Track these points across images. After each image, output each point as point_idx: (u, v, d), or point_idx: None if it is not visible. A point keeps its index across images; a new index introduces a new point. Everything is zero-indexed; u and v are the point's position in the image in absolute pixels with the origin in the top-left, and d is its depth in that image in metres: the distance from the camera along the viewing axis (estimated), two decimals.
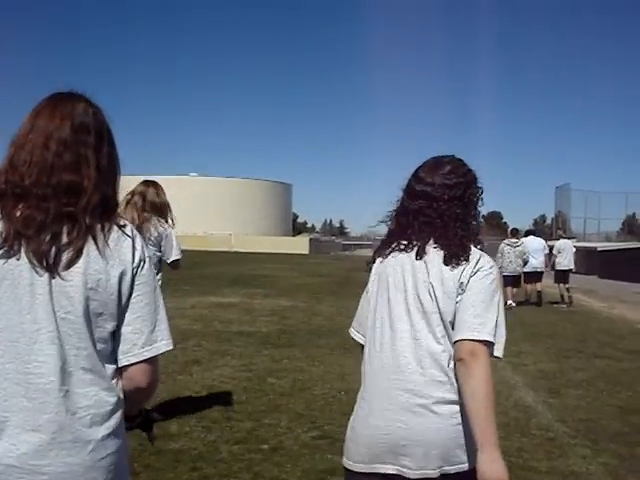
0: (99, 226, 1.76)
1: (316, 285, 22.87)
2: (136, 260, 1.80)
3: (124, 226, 1.83)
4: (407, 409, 2.26)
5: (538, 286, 17.43)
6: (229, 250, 60.92)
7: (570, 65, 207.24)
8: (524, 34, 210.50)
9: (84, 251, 1.73)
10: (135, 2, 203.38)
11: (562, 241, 19.35)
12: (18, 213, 1.73)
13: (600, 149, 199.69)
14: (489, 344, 2.21)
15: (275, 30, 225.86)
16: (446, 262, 2.33)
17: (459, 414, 2.23)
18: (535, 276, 17.47)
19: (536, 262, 17.28)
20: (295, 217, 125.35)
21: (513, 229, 18.30)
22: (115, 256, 1.76)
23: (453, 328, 2.27)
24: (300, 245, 70.63)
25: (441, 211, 2.40)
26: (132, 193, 5.40)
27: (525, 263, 16.86)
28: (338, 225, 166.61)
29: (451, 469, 2.24)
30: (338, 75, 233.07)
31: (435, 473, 2.24)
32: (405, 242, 2.44)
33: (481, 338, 2.19)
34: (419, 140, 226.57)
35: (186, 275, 19.98)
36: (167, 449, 5.10)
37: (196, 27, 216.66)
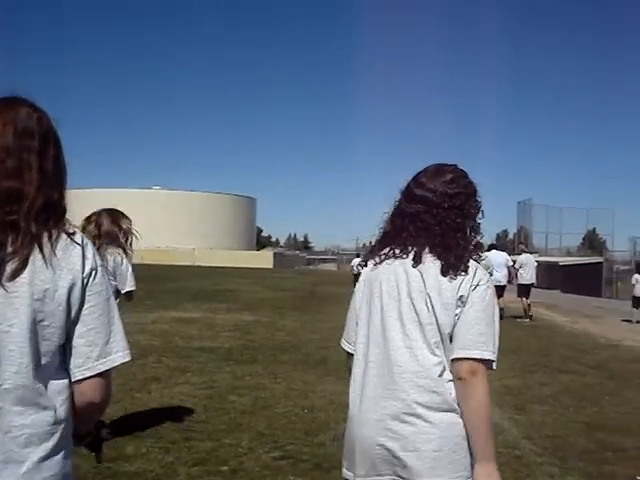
0: (46, 234, 1.68)
1: (280, 300, 22.68)
2: (86, 269, 1.71)
3: (73, 234, 1.74)
4: (400, 419, 2.25)
5: (500, 301, 17.48)
6: (192, 264, 60.45)
7: (531, 81, 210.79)
8: (482, 46, 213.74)
9: (30, 260, 1.64)
10: (102, 11, 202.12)
11: (524, 255, 19.52)
12: None
13: (562, 165, 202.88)
14: (490, 361, 2.24)
15: (239, 43, 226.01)
16: (444, 273, 2.30)
17: (452, 424, 2.23)
18: (498, 290, 17.51)
19: (499, 276, 17.40)
20: (259, 231, 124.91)
21: (477, 243, 18.41)
22: (63, 265, 1.67)
23: (450, 340, 2.26)
24: (264, 259, 70.47)
25: (440, 218, 2.37)
26: (88, 220, 5.31)
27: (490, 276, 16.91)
28: (302, 239, 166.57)
29: (445, 478, 2.23)
30: (300, 89, 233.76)
31: None
32: (399, 248, 2.41)
33: (485, 357, 2.22)
34: (383, 154, 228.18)
35: (148, 290, 19.67)
36: (122, 471, 4.88)
37: (162, 39, 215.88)
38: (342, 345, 2.57)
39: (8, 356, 1.62)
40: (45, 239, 1.67)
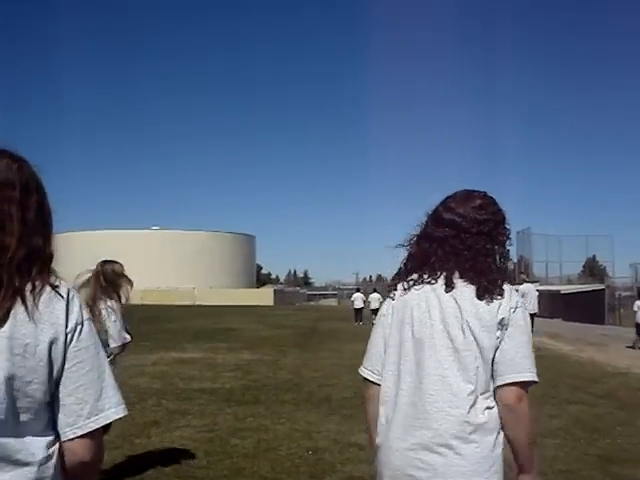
0: (29, 285, 1.62)
1: (281, 337, 22.47)
2: (70, 324, 1.64)
3: (57, 286, 1.67)
4: (431, 449, 2.22)
5: None
6: (193, 304, 60.19)
7: (529, 112, 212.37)
8: (477, 79, 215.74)
9: (11, 314, 1.58)
10: (97, 53, 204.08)
11: (525, 285, 19.43)
12: None
13: (559, 193, 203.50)
14: (532, 383, 2.26)
15: (239, 82, 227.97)
16: (480, 296, 2.27)
17: (484, 457, 2.21)
18: None
19: None
20: (259, 268, 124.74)
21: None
22: (45, 319, 1.60)
23: (491, 364, 2.25)
24: (264, 297, 70.26)
25: (469, 243, 2.36)
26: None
27: None
28: (302, 275, 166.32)
29: None
30: (297, 127, 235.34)
31: None
32: (428, 272, 2.38)
33: (533, 379, 2.24)
34: (381, 189, 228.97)
35: (148, 330, 19.49)
36: None
37: (161, 83, 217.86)
38: (362, 373, 2.52)
39: None
40: (28, 292, 1.61)
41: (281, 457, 6.42)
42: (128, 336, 5.48)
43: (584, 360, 15.82)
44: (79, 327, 1.66)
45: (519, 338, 2.26)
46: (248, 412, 8.70)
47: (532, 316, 18.25)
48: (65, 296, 1.66)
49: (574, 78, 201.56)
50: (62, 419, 1.63)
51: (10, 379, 1.56)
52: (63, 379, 1.63)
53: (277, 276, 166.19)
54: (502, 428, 2.27)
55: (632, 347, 19.16)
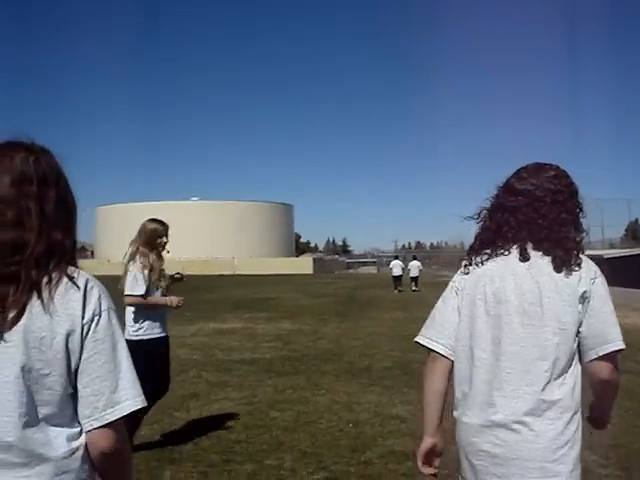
0: (45, 279, 1.63)
1: (320, 306, 22.44)
2: (87, 315, 1.64)
3: (74, 277, 1.66)
4: (505, 426, 2.20)
5: None
6: (233, 273, 60.58)
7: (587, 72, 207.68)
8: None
9: (27, 308, 1.60)
10: (129, 20, 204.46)
11: None
12: None
13: (601, 156, 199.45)
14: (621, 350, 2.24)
15: (279, 58, 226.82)
16: (557, 269, 2.21)
17: (559, 434, 2.17)
18: None
19: None
20: (298, 237, 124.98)
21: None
22: (61, 311, 1.61)
23: (574, 339, 2.21)
24: (304, 265, 70.47)
25: (543, 212, 2.29)
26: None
27: None
28: (341, 243, 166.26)
29: None
30: (336, 95, 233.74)
31: None
32: (500, 244, 2.33)
33: (623, 347, 2.22)
34: (419, 155, 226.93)
35: (188, 301, 19.50)
36: None
37: (195, 49, 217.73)
38: (432, 346, 2.39)
39: (6, 407, 1.57)
40: (44, 285, 1.62)
41: (321, 430, 6.32)
42: (139, 292, 5.56)
43: (629, 326, 15.39)
44: (96, 318, 1.65)
45: (604, 309, 2.21)
46: (288, 383, 8.63)
47: None
48: (82, 287, 1.65)
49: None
50: (80, 411, 1.64)
51: (27, 372, 1.57)
52: (80, 370, 1.63)
53: (316, 245, 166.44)
54: (592, 395, 2.32)
55: None
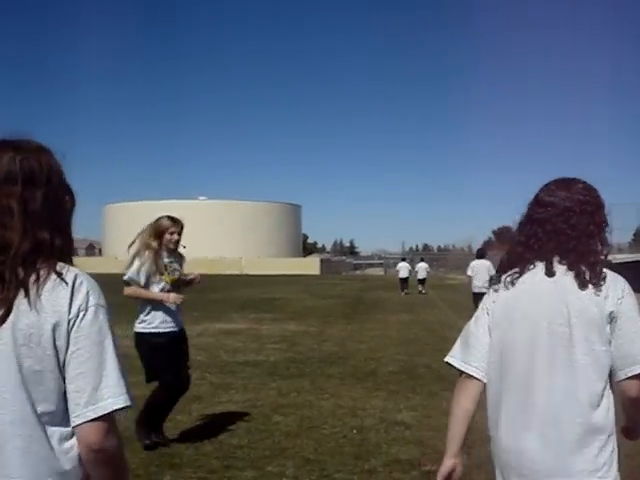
0: (33, 277, 1.63)
1: (327, 307, 22.34)
2: (73, 310, 1.63)
3: (63, 274, 1.66)
4: (538, 448, 2.17)
5: None
6: (240, 273, 60.56)
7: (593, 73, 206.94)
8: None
9: (14, 305, 1.61)
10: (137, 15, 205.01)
11: None
12: None
13: (610, 160, 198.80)
14: None
15: (283, 50, 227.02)
16: (583, 286, 2.17)
17: (593, 453, 2.14)
18: None
19: None
20: (305, 238, 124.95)
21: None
22: (48, 307, 1.61)
23: (607, 358, 2.16)
24: (311, 266, 70.40)
25: (573, 222, 2.26)
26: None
27: None
28: (348, 244, 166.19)
29: None
30: (346, 95, 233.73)
31: None
32: (528, 257, 2.30)
33: None
34: (427, 157, 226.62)
35: (195, 300, 19.46)
36: None
37: (205, 46, 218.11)
38: (456, 364, 2.40)
39: (3, 404, 1.60)
40: (31, 282, 1.62)
41: (325, 436, 6.20)
42: (132, 282, 5.73)
43: None
44: (82, 313, 1.63)
45: (632, 329, 2.15)
46: (292, 387, 8.52)
47: None
48: (70, 282, 1.64)
49: None
50: (68, 406, 1.63)
51: (20, 369, 1.58)
52: (65, 366, 1.62)
53: (323, 245, 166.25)
54: (623, 413, 2.24)
55: None
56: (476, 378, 2.34)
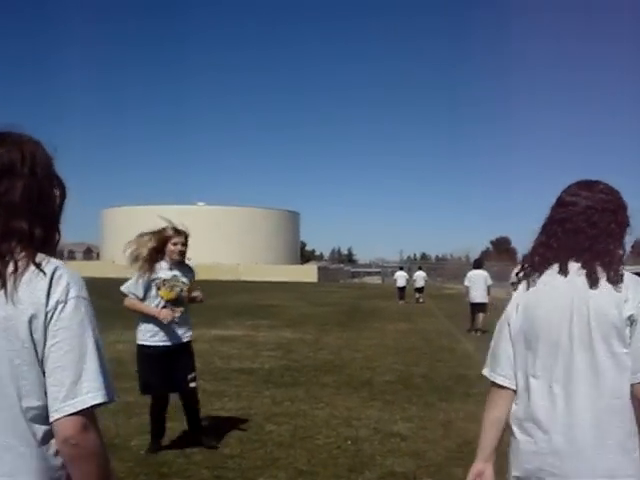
0: (11, 268, 1.60)
1: (323, 315, 22.20)
2: (51, 302, 1.59)
3: (42, 265, 1.62)
4: (565, 451, 2.15)
5: None
6: (237, 279, 60.39)
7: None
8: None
9: None
10: (134, 24, 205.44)
11: None
12: None
13: (607, 168, 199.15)
14: None
15: (281, 55, 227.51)
16: (594, 285, 2.15)
17: (617, 460, 2.12)
18: None
19: None
20: (303, 245, 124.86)
21: (525, 255, 18.16)
22: (25, 299, 1.58)
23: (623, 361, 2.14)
24: (309, 273, 70.23)
25: (594, 219, 2.25)
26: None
27: None
28: (346, 252, 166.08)
29: None
30: (345, 103, 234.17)
31: None
32: (547, 257, 2.29)
33: None
34: (424, 165, 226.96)
35: (191, 306, 19.31)
36: None
37: (205, 53, 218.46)
38: (492, 378, 2.38)
39: None
40: (9, 274, 1.60)
41: (318, 447, 6.07)
42: (129, 294, 5.74)
43: None
44: (61, 305, 1.59)
45: None
46: (286, 395, 8.39)
47: None
48: (49, 274, 1.60)
49: None
50: (48, 401, 1.59)
51: (3, 364, 1.56)
52: (44, 359, 1.58)
53: (321, 253, 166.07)
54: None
55: None
56: (505, 387, 2.34)
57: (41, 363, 1.58)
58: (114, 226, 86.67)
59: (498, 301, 23.69)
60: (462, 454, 5.83)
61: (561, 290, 2.21)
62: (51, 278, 1.60)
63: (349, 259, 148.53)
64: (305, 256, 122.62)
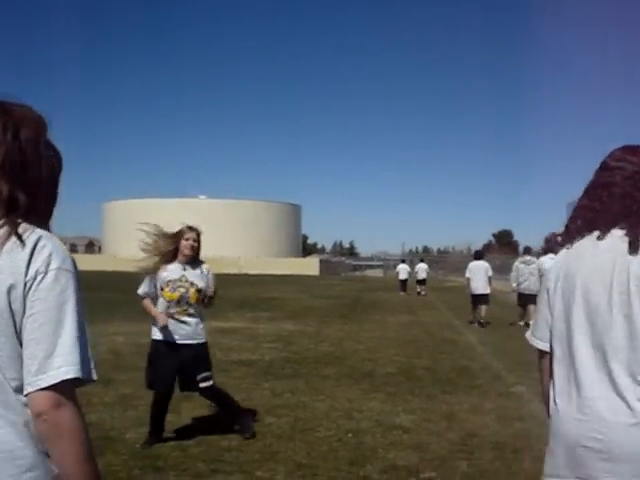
0: None
1: (325, 307, 22.08)
2: (30, 272, 1.53)
3: (25, 235, 1.56)
4: (605, 419, 2.06)
5: None
6: (239, 272, 60.26)
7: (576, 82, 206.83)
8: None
9: None
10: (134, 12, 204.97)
11: None
12: None
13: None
14: None
15: (279, 51, 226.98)
16: (635, 251, 2.05)
17: None
18: None
19: None
20: (305, 238, 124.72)
21: (526, 247, 18.29)
22: (5, 269, 1.53)
23: None
24: (310, 266, 70.13)
25: None
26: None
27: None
28: (348, 246, 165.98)
29: None
30: (347, 96, 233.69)
31: None
32: (590, 222, 2.20)
33: None
34: (427, 158, 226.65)
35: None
36: None
37: (205, 43, 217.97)
38: (532, 341, 2.36)
39: None
40: None
41: (318, 440, 5.92)
42: (140, 290, 5.89)
43: None
44: (40, 276, 1.54)
45: None
46: (286, 387, 8.25)
47: None
48: (31, 244, 1.55)
49: None
50: (23, 374, 1.53)
51: None
52: (22, 331, 1.53)
53: (323, 246, 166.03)
54: None
55: None
56: (545, 351, 2.31)
57: (19, 335, 1.53)
58: (116, 220, 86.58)
59: (500, 294, 23.66)
60: (466, 447, 5.69)
61: (602, 256, 2.13)
62: (33, 248, 1.55)
63: (351, 252, 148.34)
64: (307, 249, 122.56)
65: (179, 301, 5.73)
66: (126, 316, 16.70)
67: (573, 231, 2.27)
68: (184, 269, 5.82)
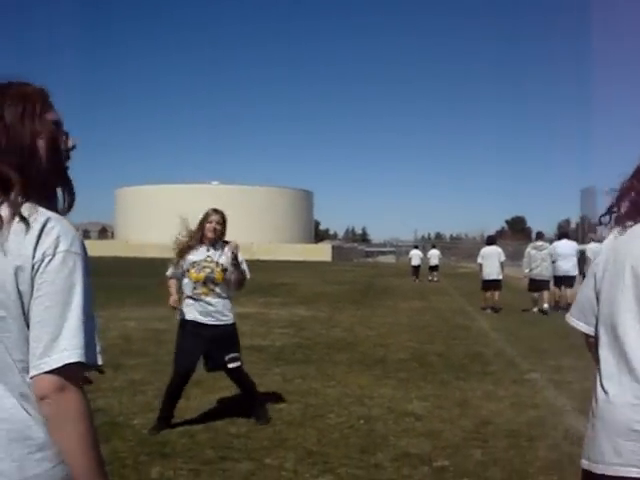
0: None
1: (337, 293, 21.99)
2: (37, 255, 1.51)
3: (32, 216, 1.54)
4: None
5: (568, 292, 16.31)
6: (251, 258, 60.29)
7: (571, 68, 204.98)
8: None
9: None
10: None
11: (593, 245, 18.30)
12: None
13: (625, 147, 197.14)
14: None
15: (291, 36, 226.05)
16: None
17: None
18: (568, 281, 16.44)
19: (569, 266, 16.35)
20: (317, 224, 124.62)
21: (538, 232, 18.17)
22: (14, 250, 1.51)
23: None
24: (323, 252, 70.13)
25: None
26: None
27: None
28: (360, 232, 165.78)
29: None
30: (360, 82, 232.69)
31: None
32: (633, 208, 2.12)
33: None
34: (439, 144, 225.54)
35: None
36: None
37: (216, 31, 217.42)
38: (568, 320, 2.31)
39: None
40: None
41: (329, 426, 5.81)
42: (171, 275, 6.07)
43: None
44: (48, 258, 1.52)
45: None
46: (297, 373, 8.15)
47: None
48: (39, 226, 1.53)
49: None
50: (29, 356, 1.53)
51: None
52: (29, 314, 1.52)
53: (335, 232, 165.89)
54: None
55: None
56: (589, 334, 2.23)
57: (27, 317, 1.52)
58: (128, 205, 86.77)
59: (513, 280, 23.49)
60: (479, 434, 5.57)
61: (632, 243, 2.05)
62: (41, 229, 1.53)
63: (363, 238, 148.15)
64: (319, 235, 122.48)
65: (205, 281, 5.76)
66: (138, 301, 16.70)
67: (623, 215, 2.16)
68: (208, 250, 5.85)
